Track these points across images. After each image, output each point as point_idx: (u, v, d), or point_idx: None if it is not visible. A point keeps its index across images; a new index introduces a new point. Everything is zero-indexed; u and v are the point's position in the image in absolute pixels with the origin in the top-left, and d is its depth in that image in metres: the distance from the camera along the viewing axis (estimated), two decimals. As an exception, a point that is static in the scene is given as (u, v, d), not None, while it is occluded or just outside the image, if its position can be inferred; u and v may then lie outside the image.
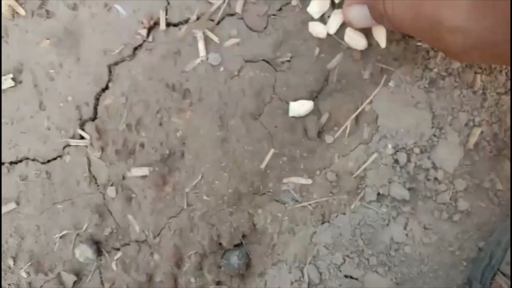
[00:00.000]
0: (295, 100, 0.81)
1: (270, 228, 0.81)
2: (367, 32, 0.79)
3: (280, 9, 0.82)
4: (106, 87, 0.84)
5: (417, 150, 0.77)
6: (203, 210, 0.81)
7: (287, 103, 0.80)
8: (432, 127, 0.77)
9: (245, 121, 0.81)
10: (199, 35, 0.83)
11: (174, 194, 0.82)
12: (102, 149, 0.83)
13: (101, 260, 0.85)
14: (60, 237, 0.85)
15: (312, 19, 0.81)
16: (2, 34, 0.85)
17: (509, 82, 0.77)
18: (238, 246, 0.81)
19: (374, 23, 0.69)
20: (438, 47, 0.65)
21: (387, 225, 0.77)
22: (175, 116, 0.82)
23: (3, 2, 0.83)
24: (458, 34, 0.51)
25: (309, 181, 0.80)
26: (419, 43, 0.78)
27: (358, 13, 0.68)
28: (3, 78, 0.84)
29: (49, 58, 0.84)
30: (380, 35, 0.75)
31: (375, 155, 0.77)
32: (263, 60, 0.82)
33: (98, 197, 0.84)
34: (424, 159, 0.76)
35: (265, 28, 0.82)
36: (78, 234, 0.85)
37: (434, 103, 0.77)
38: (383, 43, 0.75)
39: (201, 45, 0.83)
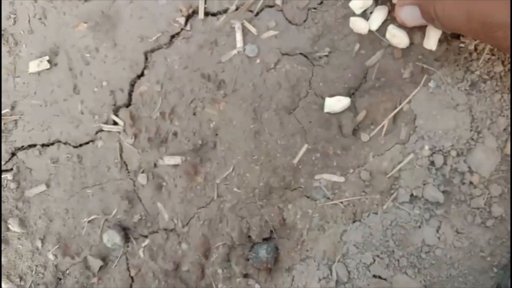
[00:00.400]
0: (331, 96, 0.81)
1: (299, 223, 0.81)
2: (409, 30, 0.78)
3: (321, 2, 0.82)
4: (142, 74, 0.85)
5: (454, 153, 0.76)
6: (233, 202, 0.82)
7: (323, 99, 0.81)
8: (471, 130, 0.77)
9: (279, 114, 0.81)
10: (237, 25, 0.83)
11: (205, 185, 0.83)
12: (135, 136, 0.84)
13: (128, 247, 0.86)
14: (89, 222, 0.87)
15: (354, 14, 0.81)
16: (40, 16, 0.85)
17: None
18: (267, 240, 0.82)
19: (426, 22, 0.70)
20: (491, 44, 0.69)
21: (419, 227, 0.77)
22: (209, 107, 0.83)
23: (42, -17, 0.84)
24: (508, 30, 0.55)
25: (342, 179, 0.80)
26: (462, 45, 0.78)
27: (411, 14, 0.69)
28: (38, 60, 0.85)
29: (85, 41, 0.85)
30: (432, 39, 0.75)
31: (411, 156, 0.77)
32: (301, 53, 0.83)
33: (128, 183, 0.85)
34: (460, 162, 0.76)
35: (305, 21, 0.82)
36: (106, 220, 0.86)
37: (474, 106, 0.77)
38: (433, 46, 0.75)
39: (238, 36, 0.83)
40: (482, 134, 0.78)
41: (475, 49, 0.79)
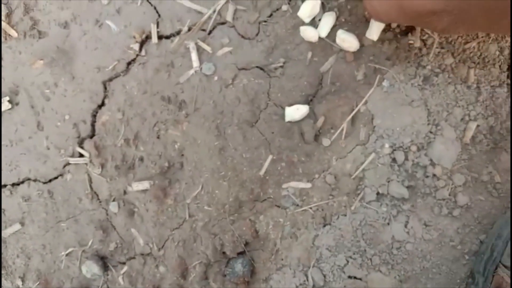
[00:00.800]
0: (290, 105, 0.83)
1: (272, 233, 0.83)
2: (358, 33, 0.80)
3: (271, 15, 0.84)
4: (102, 104, 0.86)
5: (414, 148, 0.78)
6: (205, 220, 0.84)
7: (283, 108, 0.83)
8: (428, 124, 0.79)
9: (242, 129, 0.83)
10: (192, 45, 0.85)
11: (176, 206, 0.84)
12: (102, 166, 0.85)
13: (107, 275, 0.87)
14: (66, 255, 0.88)
15: (303, 23, 0.83)
16: (-4, 57, 0.87)
17: (503, 74, 0.78)
18: (241, 253, 0.84)
19: None
20: (428, 28, 0.75)
21: (388, 224, 0.79)
22: (172, 128, 0.84)
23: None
24: (439, 15, 0.58)
25: (309, 185, 0.82)
26: (411, 41, 0.80)
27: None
28: (-1, 101, 0.86)
29: (44, 78, 0.87)
30: (374, 29, 0.77)
31: (372, 155, 0.79)
32: (257, 67, 0.85)
33: (101, 213, 0.86)
34: (421, 156, 0.78)
35: (257, 34, 0.84)
36: (83, 251, 0.87)
37: (429, 100, 0.79)
38: (375, 36, 0.77)
39: (194, 56, 0.85)
40: (440, 126, 0.80)
41: (424, 44, 0.81)
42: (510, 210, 0.78)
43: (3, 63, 0.88)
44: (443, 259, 0.80)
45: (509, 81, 0.80)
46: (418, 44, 0.80)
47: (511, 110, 0.80)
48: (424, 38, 0.80)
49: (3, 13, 0.86)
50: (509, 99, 0.79)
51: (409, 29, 0.81)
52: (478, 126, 0.80)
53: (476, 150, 0.80)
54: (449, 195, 0.79)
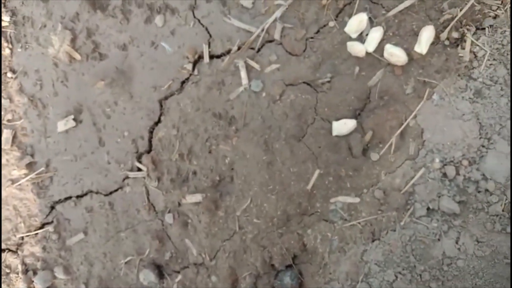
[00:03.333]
0: (337, 119, 0.86)
1: (320, 247, 0.87)
2: (406, 47, 0.83)
3: (318, 31, 0.89)
4: (159, 121, 0.94)
5: (465, 163, 0.80)
6: (254, 233, 0.89)
7: (330, 123, 0.87)
8: (480, 138, 0.80)
9: (289, 143, 0.88)
10: (241, 64, 0.91)
11: (227, 218, 0.90)
12: (158, 179, 0.93)
13: (163, 283, 0.95)
14: (125, 263, 0.96)
15: (350, 38, 0.87)
16: (62, 79, 0.98)
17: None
18: (290, 266, 0.88)
19: None
20: None
21: (439, 239, 0.80)
22: (223, 143, 0.91)
23: (61, 49, 0.97)
24: None
25: (357, 200, 0.85)
26: (461, 54, 0.81)
27: None
28: (65, 120, 0.97)
29: (105, 97, 0.96)
30: (423, 43, 0.80)
31: (422, 170, 0.82)
32: (304, 82, 0.89)
33: (157, 223, 0.94)
34: (473, 171, 0.79)
35: (304, 51, 0.89)
36: (141, 259, 0.95)
37: (480, 113, 0.80)
38: (424, 50, 0.80)
39: (243, 74, 0.91)
40: (493, 140, 0.81)
41: (475, 56, 0.82)
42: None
43: (68, 84, 0.99)
44: (496, 277, 0.80)
45: None
46: (468, 57, 0.82)
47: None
48: (475, 50, 0.82)
49: (68, 38, 0.97)
50: None
51: (459, 41, 0.83)
52: (534, 139, 0.80)
53: (533, 164, 0.80)
54: (503, 210, 0.79)
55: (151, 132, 0.94)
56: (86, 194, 0.98)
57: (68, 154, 0.98)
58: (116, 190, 0.96)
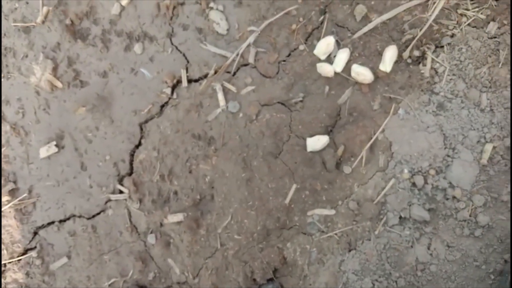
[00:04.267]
0: (311, 136, 0.91)
1: (300, 260, 0.90)
2: (372, 66, 0.90)
3: (289, 54, 0.95)
4: (139, 144, 0.98)
5: (432, 172, 0.85)
6: (235, 249, 0.92)
7: (304, 140, 0.91)
8: (445, 148, 0.85)
9: (266, 160, 0.92)
10: (218, 87, 0.96)
11: (208, 236, 0.93)
12: (140, 201, 0.96)
13: (147, 304, 0.96)
14: (109, 285, 0.98)
15: (319, 60, 0.93)
16: (44, 106, 1.01)
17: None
18: (271, 280, 0.91)
19: None
20: None
21: (411, 246, 0.85)
22: (202, 163, 0.95)
23: (42, 78, 1.01)
24: None
25: (333, 212, 0.89)
26: (422, 71, 0.88)
27: None
28: (47, 146, 1.00)
29: (86, 122, 1.00)
30: (387, 61, 0.86)
31: (392, 181, 0.87)
32: (278, 102, 0.94)
33: (139, 244, 0.97)
34: (440, 179, 0.85)
35: (277, 73, 0.95)
36: (124, 281, 0.97)
37: (444, 125, 0.86)
38: (388, 68, 0.86)
39: (220, 96, 0.96)
40: (457, 150, 0.87)
41: (436, 72, 0.89)
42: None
43: (50, 111, 1.02)
44: (468, 279, 0.84)
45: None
46: (429, 73, 0.89)
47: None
48: (435, 66, 0.88)
49: (49, 67, 1.01)
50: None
51: (420, 59, 0.90)
52: (494, 147, 0.85)
53: (495, 170, 0.85)
54: (470, 216, 0.84)
55: (132, 155, 0.97)
56: (69, 218, 1.00)
57: (51, 179, 1.00)
58: (98, 213, 0.98)
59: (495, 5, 0.86)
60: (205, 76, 0.95)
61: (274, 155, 0.91)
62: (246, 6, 0.94)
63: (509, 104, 0.85)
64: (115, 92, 0.98)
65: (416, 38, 0.86)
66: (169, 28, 0.96)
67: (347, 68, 0.89)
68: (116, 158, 0.97)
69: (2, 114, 1.00)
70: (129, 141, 0.97)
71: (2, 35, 1.00)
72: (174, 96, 0.95)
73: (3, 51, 1.00)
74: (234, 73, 0.95)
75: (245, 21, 0.94)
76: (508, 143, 0.84)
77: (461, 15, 0.86)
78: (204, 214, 0.93)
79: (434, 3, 0.85)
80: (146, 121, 0.97)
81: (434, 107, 0.85)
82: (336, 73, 0.89)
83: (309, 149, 0.89)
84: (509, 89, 0.85)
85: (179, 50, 0.96)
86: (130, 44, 0.98)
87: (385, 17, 0.86)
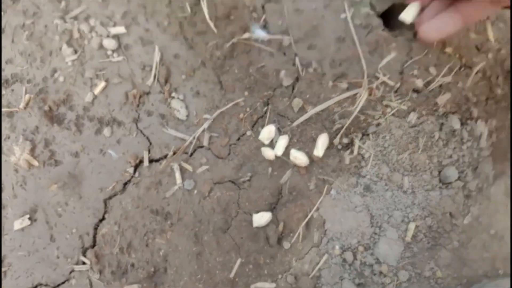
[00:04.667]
0: (257, 212, 1.02)
1: (242, 330, 0.98)
2: (307, 151, 1.01)
3: (239, 139, 1.07)
4: (103, 218, 1.09)
5: (361, 248, 0.94)
6: (185, 319, 1.00)
7: (251, 215, 1.02)
8: (372, 226, 0.95)
9: (216, 235, 1.02)
10: (176, 166, 1.08)
11: (161, 306, 1.02)
12: (101, 272, 1.06)
13: None
14: None
15: (264, 144, 1.05)
16: (21, 183, 1.14)
17: (434, 179, 0.96)
18: None
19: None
20: None
21: (342, 319, 0.92)
22: (158, 237, 1.05)
23: (21, 157, 1.13)
24: None
25: (273, 285, 0.98)
26: (350, 155, 1.00)
27: (433, 26, 0.85)
28: (21, 219, 1.11)
29: (57, 198, 1.11)
30: (320, 147, 0.98)
31: (325, 256, 0.96)
32: (229, 181, 1.06)
33: (99, 314, 1.05)
34: (368, 256, 0.94)
35: (228, 155, 1.07)
36: None
37: (371, 205, 0.96)
38: (320, 153, 0.97)
39: (177, 175, 1.07)
40: (383, 228, 0.96)
41: (363, 157, 1.01)
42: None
43: (26, 187, 1.14)
44: None
45: (440, 184, 0.97)
46: (356, 158, 1.00)
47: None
48: (362, 152, 1.00)
49: (28, 148, 1.15)
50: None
51: (349, 145, 1.02)
52: (417, 226, 0.95)
53: (418, 248, 0.95)
54: (395, 290, 0.93)
55: (95, 229, 1.08)
56: (36, 287, 1.09)
57: (23, 250, 1.11)
58: (63, 283, 1.07)
59: (415, 97, 0.98)
60: (165, 156, 1.07)
61: (223, 230, 1.01)
62: (202, 97, 1.07)
63: (429, 187, 0.95)
64: (85, 171, 1.10)
65: (344, 127, 0.98)
66: (136, 114, 1.09)
67: (287, 152, 1.00)
68: (82, 231, 1.07)
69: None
70: (94, 215, 1.07)
71: (-13, 121, 1.14)
72: (136, 174, 1.07)
73: (-13, 135, 1.14)
74: (191, 154, 1.06)
75: (201, 109, 1.08)
76: (429, 222, 0.93)
77: (386, 106, 0.98)
78: (158, 285, 1.01)
79: (360, 96, 0.97)
80: (110, 197, 1.08)
81: (361, 189, 0.95)
82: (277, 157, 1.01)
83: (255, 224, 0.99)
84: (428, 172, 0.95)
85: (143, 134, 1.09)
86: (101, 128, 1.10)
87: (318, 108, 0.99)
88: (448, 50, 0.96)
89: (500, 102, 0.94)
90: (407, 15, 0.89)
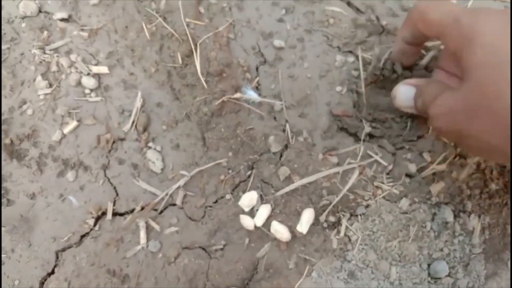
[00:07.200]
0: (227, 287, 0.94)
1: None
2: (290, 225, 0.96)
3: (216, 201, 1.00)
4: (52, 272, 0.98)
5: None
6: None
7: (219, 290, 0.93)
8: (352, 319, 0.88)
9: (177, 308, 0.93)
10: (142, 224, 1.00)
11: None
12: (38, 336, 0.94)
13: None
14: None
15: (243, 211, 0.98)
16: (-36, 222, 1.02)
17: (423, 273, 0.91)
18: None
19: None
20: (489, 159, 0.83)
21: None
22: (112, 302, 0.95)
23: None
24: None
25: None
26: (337, 236, 0.94)
27: (405, 93, 0.82)
28: (-44, 264, 0.99)
29: (2, 244, 1.01)
30: (304, 223, 0.92)
31: None
32: (199, 247, 0.97)
33: None
34: None
35: (202, 217, 0.99)
36: None
37: (353, 294, 0.89)
38: (304, 230, 0.91)
39: (142, 233, 0.99)
40: (364, 321, 0.90)
41: (349, 240, 0.95)
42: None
43: (-32, 227, 1.03)
44: None
45: (429, 278, 0.92)
46: (343, 240, 0.95)
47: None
48: (349, 234, 0.95)
49: (-21, 183, 1.04)
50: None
51: (336, 225, 0.96)
52: (402, 324, 0.89)
53: None
54: None
55: (42, 283, 0.97)
56: None
57: (-49, 300, 0.98)
58: None
59: (408, 182, 0.95)
60: (132, 211, 0.99)
61: (186, 303, 0.92)
62: (182, 151, 1.01)
63: (417, 280, 0.90)
64: (39, 216, 1.00)
65: (332, 204, 0.93)
66: (105, 160, 1.02)
67: (268, 223, 0.94)
68: (26, 284, 0.96)
69: None
70: (42, 268, 0.97)
71: None
72: (97, 227, 0.98)
73: None
74: (161, 212, 0.99)
75: (179, 164, 1.01)
76: (414, 320, 0.87)
77: (377, 187, 0.94)
78: None
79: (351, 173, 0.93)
80: (63, 249, 0.98)
81: (345, 275, 0.89)
82: (256, 227, 0.94)
83: (222, 301, 0.91)
84: (417, 264, 0.90)
85: (110, 183, 1.01)
86: (64, 170, 1.02)
87: (305, 180, 0.94)
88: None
89: (493, 197, 0.91)
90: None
